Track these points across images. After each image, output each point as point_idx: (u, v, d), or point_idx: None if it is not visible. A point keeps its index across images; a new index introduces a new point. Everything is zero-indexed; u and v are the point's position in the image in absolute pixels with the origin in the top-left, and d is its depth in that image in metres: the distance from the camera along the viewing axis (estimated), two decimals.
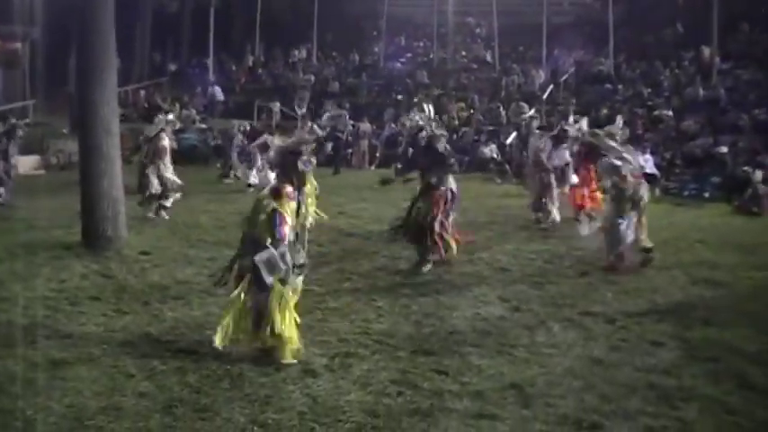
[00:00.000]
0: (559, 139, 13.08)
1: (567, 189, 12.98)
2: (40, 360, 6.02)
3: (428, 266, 9.49)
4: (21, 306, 7.54)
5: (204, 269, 9.32)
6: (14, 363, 5.95)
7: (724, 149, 18.65)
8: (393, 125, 25.11)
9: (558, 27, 31.07)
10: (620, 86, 26.30)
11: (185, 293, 8.22)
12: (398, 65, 33.39)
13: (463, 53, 34.47)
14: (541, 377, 5.90)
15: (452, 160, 10.00)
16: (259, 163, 16.76)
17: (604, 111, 23.27)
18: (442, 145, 9.92)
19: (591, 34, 30.97)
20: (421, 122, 11.13)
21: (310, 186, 7.35)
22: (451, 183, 9.76)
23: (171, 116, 14.37)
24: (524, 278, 9.25)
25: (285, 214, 6.20)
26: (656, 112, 22.85)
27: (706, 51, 25.66)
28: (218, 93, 30.86)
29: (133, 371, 5.85)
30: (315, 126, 24.45)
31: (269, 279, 6.03)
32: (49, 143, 22.81)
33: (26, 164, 19.32)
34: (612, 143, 10.17)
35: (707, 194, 16.77)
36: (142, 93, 29.78)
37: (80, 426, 4.92)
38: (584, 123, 13.69)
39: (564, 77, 28.36)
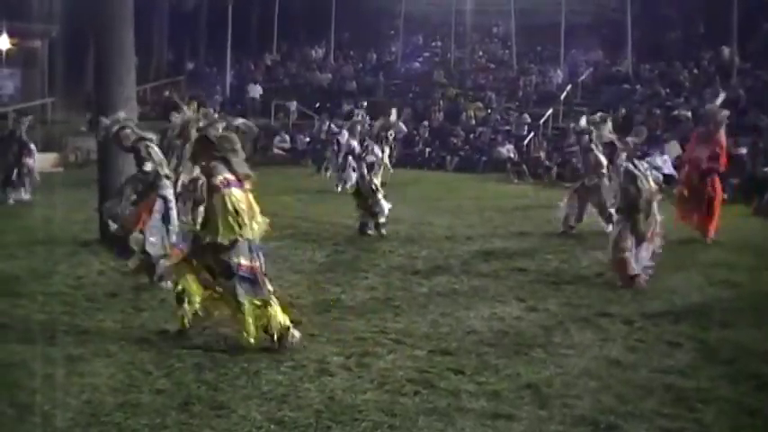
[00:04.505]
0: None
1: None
2: (57, 356, 6.05)
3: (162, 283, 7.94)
4: (38, 302, 7.59)
5: None
6: (32, 358, 5.98)
7: (743, 150, 18.53)
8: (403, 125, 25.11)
9: (576, 27, 30.98)
10: (638, 86, 26.19)
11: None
12: (416, 64, 33.41)
13: (480, 53, 34.43)
14: (558, 377, 5.87)
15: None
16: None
17: (622, 111, 23.19)
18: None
19: (609, 34, 30.90)
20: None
21: None
22: (164, 189, 8.41)
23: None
24: (541, 278, 9.21)
25: None
26: (674, 113, 22.76)
27: (726, 51, 25.51)
28: (257, 90, 30.92)
29: (150, 368, 5.87)
30: (331, 125, 24.58)
31: None
32: (67, 140, 23.00)
33: (45, 161, 19.48)
34: None
35: (725, 196, 16.63)
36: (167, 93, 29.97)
37: (97, 422, 4.93)
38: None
39: (581, 77, 28.30)
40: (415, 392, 5.50)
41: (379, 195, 11.71)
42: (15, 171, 14.90)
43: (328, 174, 18.55)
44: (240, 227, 6.13)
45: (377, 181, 11.76)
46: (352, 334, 6.81)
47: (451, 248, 10.91)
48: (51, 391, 5.36)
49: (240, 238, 6.16)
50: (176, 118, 8.60)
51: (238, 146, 6.37)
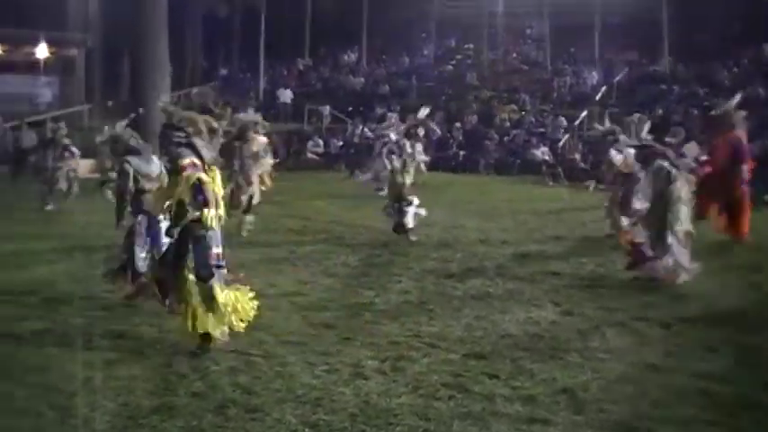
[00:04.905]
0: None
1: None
2: (94, 359, 6.12)
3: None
4: (76, 306, 7.67)
5: (252, 271, 9.37)
6: (70, 362, 6.06)
7: None
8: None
9: (611, 27, 30.71)
10: (675, 87, 25.88)
11: None
12: (449, 67, 33.35)
13: (514, 54, 34.29)
14: (594, 382, 5.82)
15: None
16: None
17: (659, 111, 22.94)
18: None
19: (644, 34, 30.58)
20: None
21: None
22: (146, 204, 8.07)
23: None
24: (576, 282, 9.13)
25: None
26: (712, 113, 22.44)
27: (766, 49, 25.14)
28: (287, 95, 31.10)
29: (186, 371, 5.91)
30: (365, 129, 24.55)
31: None
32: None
33: (82, 167, 19.70)
34: None
35: (766, 197, 16.37)
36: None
37: (134, 424, 4.98)
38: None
39: (617, 78, 28.05)
40: (449, 397, 5.48)
41: (408, 202, 11.49)
42: (61, 177, 15.04)
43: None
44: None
45: (408, 181, 11.62)
46: (386, 338, 6.81)
47: (485, 252, 10.86)
48: (88, 393, 5.42)
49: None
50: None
51: (203, 127, 6.45)
